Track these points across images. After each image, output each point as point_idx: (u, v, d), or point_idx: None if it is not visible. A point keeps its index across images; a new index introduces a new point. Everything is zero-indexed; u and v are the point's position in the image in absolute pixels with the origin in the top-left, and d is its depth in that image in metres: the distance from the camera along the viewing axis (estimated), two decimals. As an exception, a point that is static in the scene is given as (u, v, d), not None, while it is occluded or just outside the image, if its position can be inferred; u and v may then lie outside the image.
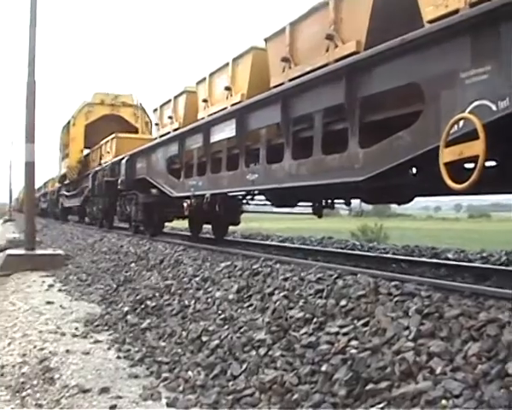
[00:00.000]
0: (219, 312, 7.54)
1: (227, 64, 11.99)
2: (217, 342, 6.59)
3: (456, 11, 6.09)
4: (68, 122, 34.29)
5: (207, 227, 19.08)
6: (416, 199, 9.71)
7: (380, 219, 36.37)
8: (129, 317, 8.92)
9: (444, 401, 3.96)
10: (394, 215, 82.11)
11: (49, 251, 18.81)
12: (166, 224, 20.67)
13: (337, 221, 48.28)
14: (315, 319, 5.97)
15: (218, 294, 8.15)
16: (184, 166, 14.66)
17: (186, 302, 8.52)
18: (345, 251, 13.99)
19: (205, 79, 13.28)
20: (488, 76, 5.69)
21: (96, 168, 26.37)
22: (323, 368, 4.99)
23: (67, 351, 7.56)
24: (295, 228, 33.64)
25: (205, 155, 13.35)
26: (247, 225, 24.78)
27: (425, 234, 36.93)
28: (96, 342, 8.03)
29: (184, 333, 7.38)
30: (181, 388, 5.92)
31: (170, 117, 15.86)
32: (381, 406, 4.22)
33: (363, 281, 6.41)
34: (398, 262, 11.09)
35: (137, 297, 9.77)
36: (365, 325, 5.44)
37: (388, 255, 13.05)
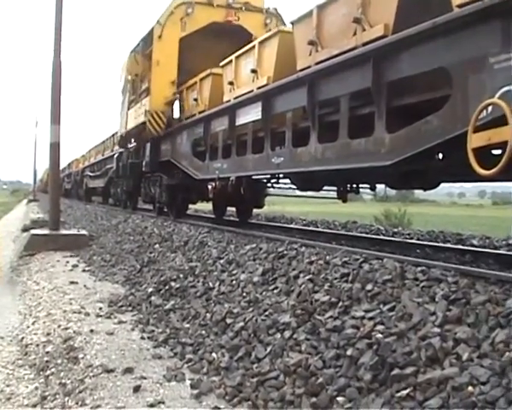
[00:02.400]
0: (244, 294, 7.55)
1: (253, 47, 11.95)
2: (241, 324, 6.61)
3: (487, -5, 6.02)
4: (148, 36, 19.89)
5: (231, 210, 19.11)
6: (440, 185, 9.65)
7: (403, 205, 36.17)
8: (153, 298, 8.97)
9: (470, 388, 3.95)
10: (417, 201, 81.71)
11: (74, 231, 18.97)
12: (190, 206, 20.69)
13: (360, 206, 48.30)
14: (340, 303, 5.97)
15: (242, 276, 8.17)
16: (209, 149, 14.67)
17: (210, 284, 8.54)
18: (369, 236, 13.95)
19: (231, 61, 13.25)
20: (518, 61, 5.64)
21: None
22: (349, 352, 4.99)
23: (91, 331, 7.64)
24: (318, 212, 33.54)
25: (230, 138, 13.34)
26: (270, 208, 24.75)
27: (449, 220, 36.73)
28: (120, 322, 8.11)
29: (208, 315, 7.41)
30: (205, 369, 5.98)
31: (195, 99, 15.81)
32: (406, 391, 4.22)
33: (390, 266, 6.39)
34: (422, 248, 11.02)
35: (161, 278, 9.81)
36: (391, 309, 5.43)
37: (413, 241, 12.98)
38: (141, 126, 19.82)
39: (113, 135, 32.99)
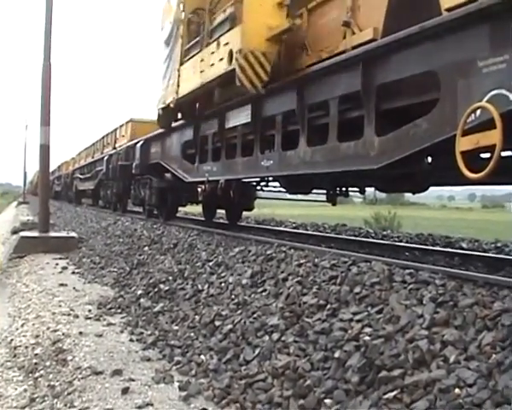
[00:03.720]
0: (233, 296, 7.56)
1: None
2: (230, 326, 6.62)
3: (475, -1, 6.04)
4: None
5: (221, 212, 19.10)
6: (430, 188, 9.68)
7: (393, 208, 36.13)
8: (142, 300, 8.98)
9: (457, 390, 3.97)
10: (407, 204, 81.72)
11: (63, 234, 18.93)
12: (180, 208, 20.67)
13: (350, 208, 48.22)
14: (328, 306, 5.98)
15: (231, 279, 8.17)
16: (199, 152, 14.62)
17: (199, 287, 8.55)
18: (358, 239, 13.96)
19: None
20: (506, 65, 5.65)
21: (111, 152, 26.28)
22: (336, 354, 5.00)
23: (80, 333, 7.63)
24: (308, 215, 33.59)
25: (220, 141, 13.31)
26: (260, 210, 24.74)
27: (439, 223, 36.70)
28: (109, 324, 8.11)
29: (197, 317, 7.42)
30: (193, 372, 5.98)
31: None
32: (394, 393, 4.23)
33: (378, 268, 6.41)
34: (411, 250, 11.04)
35: (151, 281, 9.82)
36: (379, 312, 5.45)
37: (402, 244, 13.00)
38: (214, 83, 11.86)
39: (102, 137, 32.95)
